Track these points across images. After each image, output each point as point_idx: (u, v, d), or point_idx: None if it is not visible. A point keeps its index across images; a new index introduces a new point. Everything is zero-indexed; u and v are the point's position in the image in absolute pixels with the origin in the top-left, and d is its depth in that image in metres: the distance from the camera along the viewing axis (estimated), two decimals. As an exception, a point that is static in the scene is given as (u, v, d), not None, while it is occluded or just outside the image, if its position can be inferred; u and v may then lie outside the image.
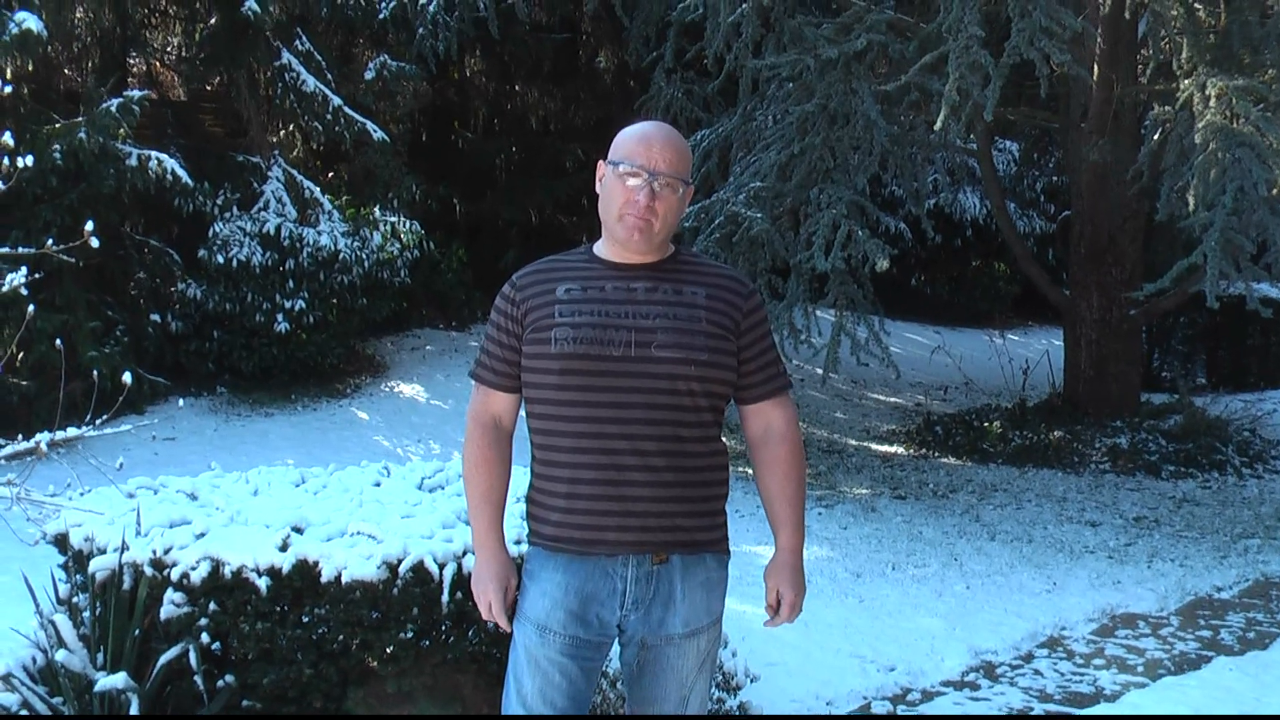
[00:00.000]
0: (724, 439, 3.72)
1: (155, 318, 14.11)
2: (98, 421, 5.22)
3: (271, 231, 14.26)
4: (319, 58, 15.42)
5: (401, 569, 4.90)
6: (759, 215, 11.93)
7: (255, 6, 13.88)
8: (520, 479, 4.10)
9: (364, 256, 15.00)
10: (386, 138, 15.52)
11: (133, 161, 12.82)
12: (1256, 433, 15.36)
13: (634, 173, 3.53)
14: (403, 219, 15.90)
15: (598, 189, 3.66)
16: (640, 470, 3.49)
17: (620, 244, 3.61)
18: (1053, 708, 6.71)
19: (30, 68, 12.32)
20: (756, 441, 3.78)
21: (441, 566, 4.95)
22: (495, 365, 3.71)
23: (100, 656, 4.99)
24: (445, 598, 4.94)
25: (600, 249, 3.71)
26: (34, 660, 5.13)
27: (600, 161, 3.65)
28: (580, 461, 3.51)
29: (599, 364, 3.48)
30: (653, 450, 3.50)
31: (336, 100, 14.99)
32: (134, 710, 4.80)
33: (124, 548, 5.03)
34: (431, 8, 16.62)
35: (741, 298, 3.67)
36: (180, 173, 13.27)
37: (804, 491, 3.79)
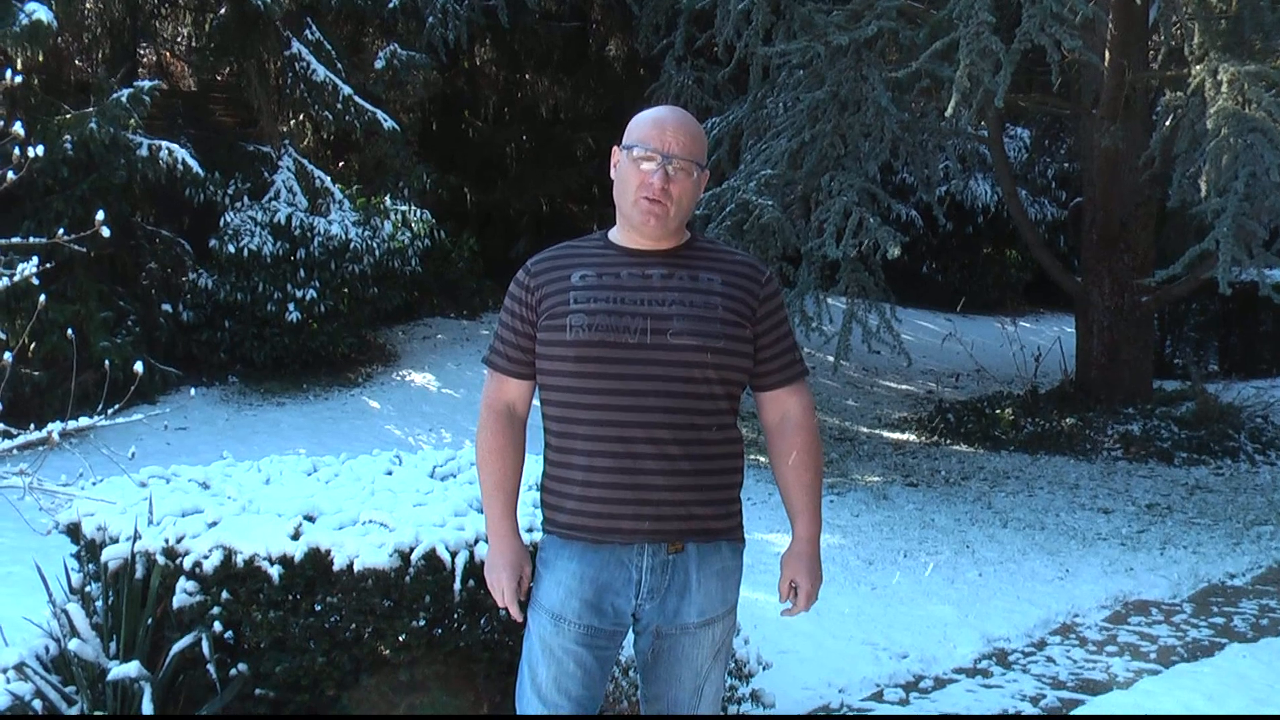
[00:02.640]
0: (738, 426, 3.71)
1: (166, 308, 14.14)
2: (109, 411, 5.22)
3: (282, 221, 14.28)
4: (329, 47, 15.42)
5: (414, 557, 4.90)
6: (770, 203, 11.91)
7: (265, -4, 13.91)
8: (533, 466, 4.10)
9: (375, 246, 15.02)
10: (397, 127, 15.52)
11: (143, 152, 12.85)
12: (1269, 419, 15.33)
13: (648, 156, 3.51)
14: (413, 208, 15.91)
15: (613, 174, 3.64)
16: (656, 459, 3.48)
17: (636, 229, 3.59)
18: (1065, 695, 6.70)
19: (41, 58, 12.31)
20: (773, 429, 3.76)
21: (454, 554, 4.94)
22: (509, 352, 3.69)
23: (113, 645, 5.00)
24: (457, 586, 4.93)
25: (615, 235, 3.69)
26: (47, 649, 5.14)
27: (615, 147, 3.63)
28: (596, 449, 3.50)
29: (614, 351, 3.46)
30: (668, 439, 3.48)
31: (347, 89, 15.00)
32: (146, 698, 4.81)
33: (136, 537, 5.04)
34: (441, -3, 16.64)
35: (758, 284, 3.65)
36: (191, 163, 13.30)
37: (821, 480, 3.77)
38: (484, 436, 3.76)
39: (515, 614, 3.68)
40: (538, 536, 3.76)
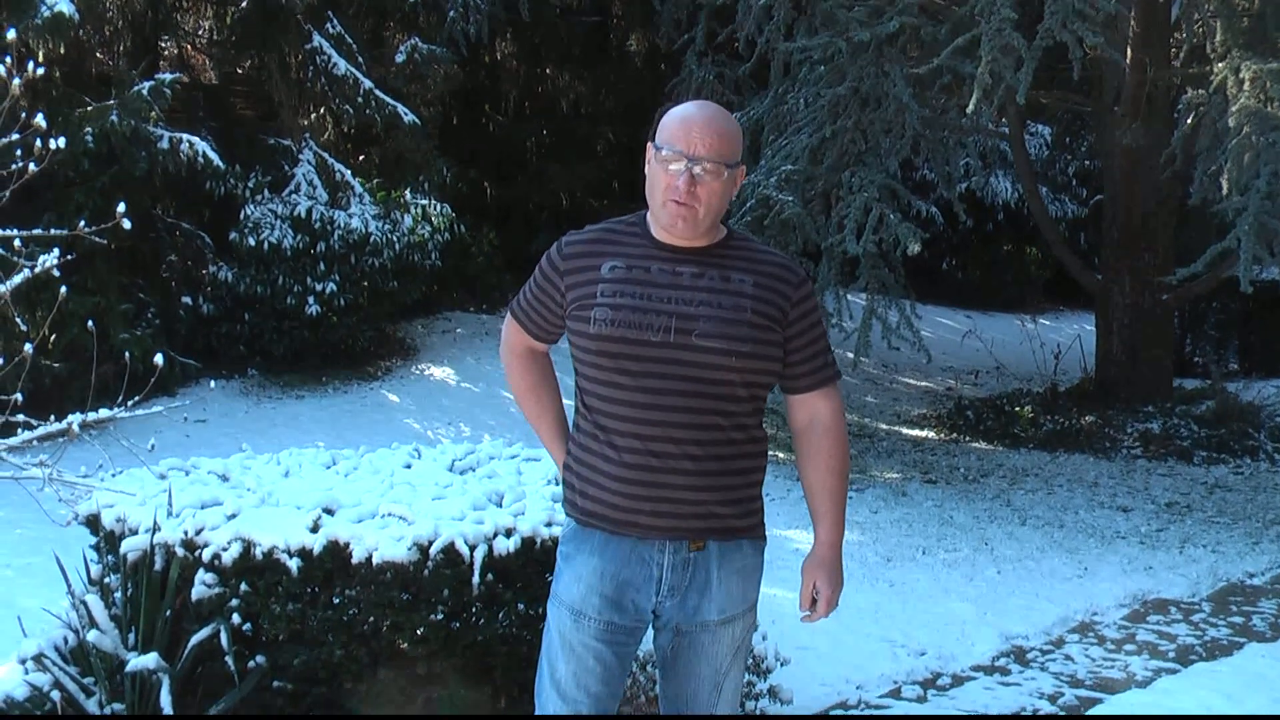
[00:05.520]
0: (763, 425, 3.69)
1: (186, 300, 14.17)
2: (129, 403, 5.22)
3: (303, 214, 14.28)
4: (350, 41, 15.43)
5: (432, 551, 4.91)
6: (790, 198, 11.89)
7: (287, -11, 13.93)
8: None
9: (395, 239, 15.02)
10: (417, 121, 15.52)
11: (164, 144, 12.86)
12: (1290, 418, 15.29)
13: (675, 158, 3.45)
14: (433, 202, 15.90)
15: (645, 170, 3.59)
16: (677, 458, 3.46)
17: (665, 230, 3.55)
18: (1083, 693, 6.69)
19: (62, 50, 12.33)
20: (801, 432, 3.72)
21: (472, 548, 4.95)
22: (530, 312, 3.76)
23: (131, 637, 5.01)
24: (476, 579, 4.94)
25: (652, 225, 3.64)
26: (66, 640, 5.16)
27: (649, 143, 3.58)
28: (618, 444, 3.49)
29: (636, 348, 3.44)
30: (688, 439, 3.46)
31: (367, 83, 15.00)
32: (165, 690, 4.82)
33: (155, 528, 5.05)
34: (462, -9, 16.65)
35: (791, 286, 3.60)
36: (211, 155, 13.31)
37: (846, 484, 3.74)
38: (514, 380, 3.93)
39: None
40: (557, 531, 3.75)
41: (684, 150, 3.44)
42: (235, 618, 4.97)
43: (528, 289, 3.78)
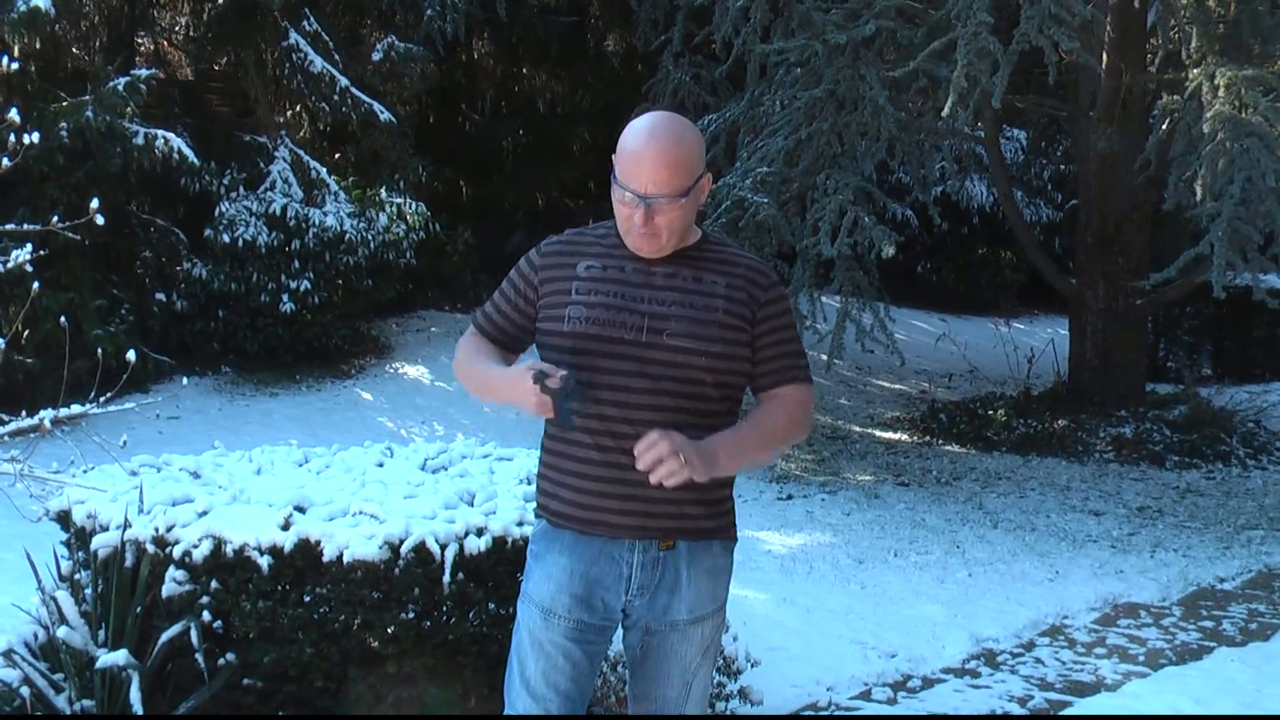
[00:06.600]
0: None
1: (160, 297, 14.14)
2: (102, 399, 5.22)
3: (278, 212, 14.26)
4: (327, 38, 15.40)
5: (403, 549, 4.90)
6: (765, 200, 11.91)
7: (264, -14, 13.91)
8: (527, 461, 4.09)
9: (370, 238, 15.00)
10: (393, 119, 15.50)
11: (139, 140, 12.83)
12: (1261, 424, 15.34)
13: (627, 193, 3.43)
14: (409, 200, 15.90)
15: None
16: None
17: (633, 250, 3.55)
18: (1053, 696, 6.71)
19: (38, 46, 12.30)
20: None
21: (443, 547, 4.95)
22: (497, 320, 3.72)
23: (102, 633, 4.99)
24: (447, 578, 4.93)
25: None
26: (35, 636, 5.14)
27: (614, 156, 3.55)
28: (589, 442, 3.48)
29: (609, 346, 3.44)
30: None
31: (344, 81, 14.97)
32: (134, 686, 4.81)
33: (126, 525, 5.03)
34: (440, -11, 16.64)
35: (761, 289, 3.59)
36: (187, 152, 13.28)
37: (771, 444, 3.64)
38: (462, 350, 3.74)
39: (551, 370, 3.40)
40: (528, 530, 3.75)
41: (636, 189, 3.40)
42: (206, 615, 4.95)
43: (496, 293, 3.75)
